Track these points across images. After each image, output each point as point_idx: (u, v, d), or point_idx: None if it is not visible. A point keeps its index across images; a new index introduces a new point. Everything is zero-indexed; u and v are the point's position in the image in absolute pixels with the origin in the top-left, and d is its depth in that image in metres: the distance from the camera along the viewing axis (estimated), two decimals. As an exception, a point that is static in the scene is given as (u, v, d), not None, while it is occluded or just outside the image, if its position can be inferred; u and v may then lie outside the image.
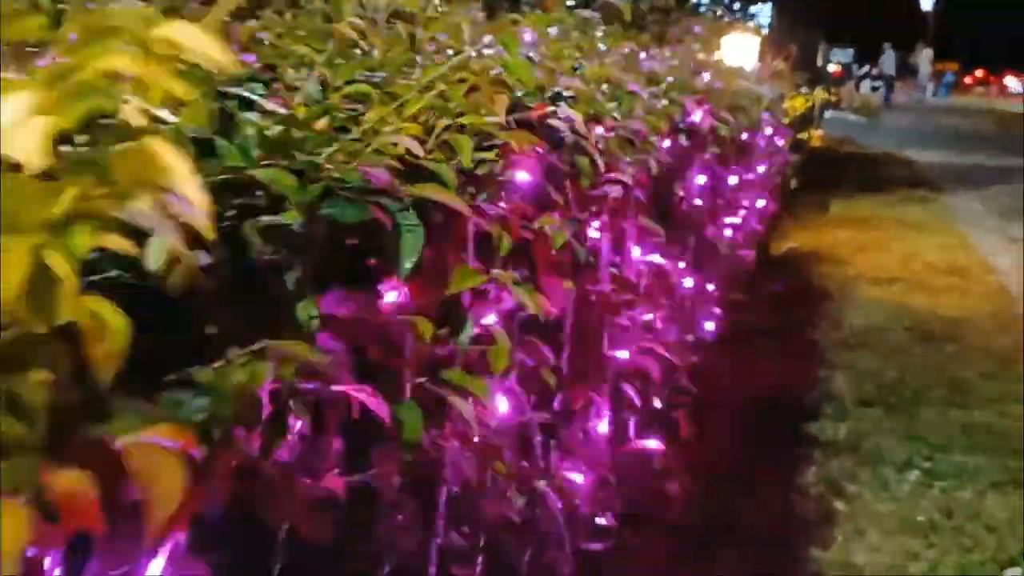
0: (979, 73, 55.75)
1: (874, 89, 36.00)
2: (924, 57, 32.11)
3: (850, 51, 27.60)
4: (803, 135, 10.31)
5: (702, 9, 13.10)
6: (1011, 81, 48.72)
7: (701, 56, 5.30)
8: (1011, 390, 3.83)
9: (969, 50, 59.65)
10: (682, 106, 2.88)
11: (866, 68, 39.82)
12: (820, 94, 6.83)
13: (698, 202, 3.34)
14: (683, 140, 2.90)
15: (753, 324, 4.60)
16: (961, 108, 30.18)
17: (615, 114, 2.10)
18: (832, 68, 24.56)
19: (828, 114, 22.30)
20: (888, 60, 29.85)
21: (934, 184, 10.10)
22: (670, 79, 2.93)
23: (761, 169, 5.26)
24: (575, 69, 2.17)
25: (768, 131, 5.03)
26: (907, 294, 5.37)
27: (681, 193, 3.08)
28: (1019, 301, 5.31)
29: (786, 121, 5.95)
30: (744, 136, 4.34)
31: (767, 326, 4.64)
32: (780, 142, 5.97)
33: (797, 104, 5.93)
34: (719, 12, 13.99)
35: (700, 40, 6.94)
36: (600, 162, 1.80)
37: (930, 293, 5.41)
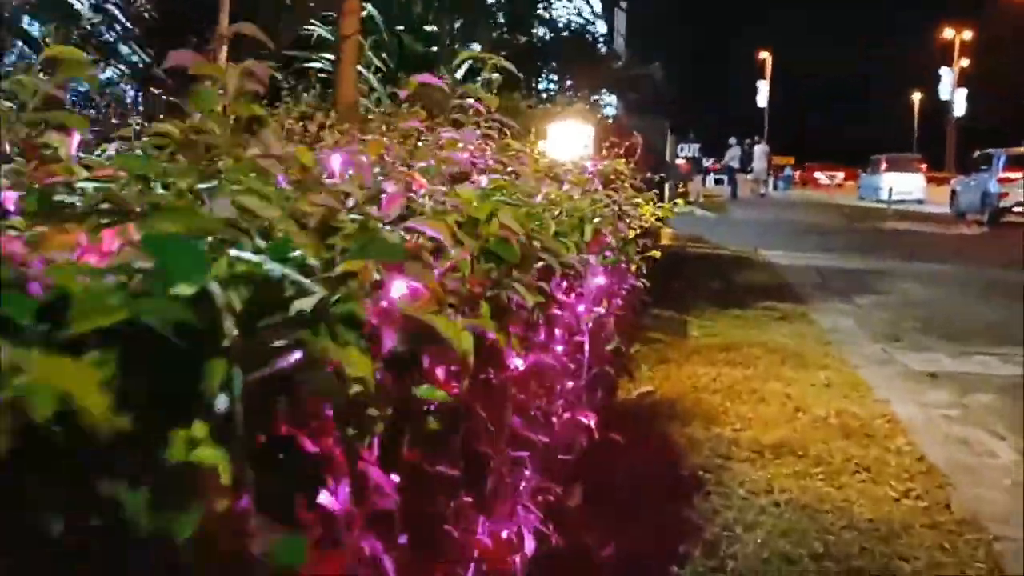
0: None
1: (718, 182, 36.10)
2: (759, 152, 32.15)
3: (696, 145, 27.21)
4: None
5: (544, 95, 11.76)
6: (819, 175, 51.60)
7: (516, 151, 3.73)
8: None
9: (800, 145, 61.99)
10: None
11: (711, 161, 40.14)
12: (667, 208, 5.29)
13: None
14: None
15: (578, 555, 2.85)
16: (801, 202, 30.22)
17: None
18: (679, 162, 23.92)
19: (676, 208, 21.53)
20: (733, 154, 29.74)
21: (796, 295, 8.79)
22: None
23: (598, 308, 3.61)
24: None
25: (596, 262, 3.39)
26: (801, 479, 3.76)
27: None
28: (951, 483, 3.78)
29: (631, 235, 4.37)
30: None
31: (599, 561, 2.90)
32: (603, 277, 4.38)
33: (645, 212, 4.31)
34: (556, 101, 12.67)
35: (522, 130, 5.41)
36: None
37: (831, 475, 3.82)
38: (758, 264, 11.09)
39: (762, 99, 67.45)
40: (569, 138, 4.48)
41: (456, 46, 8.40)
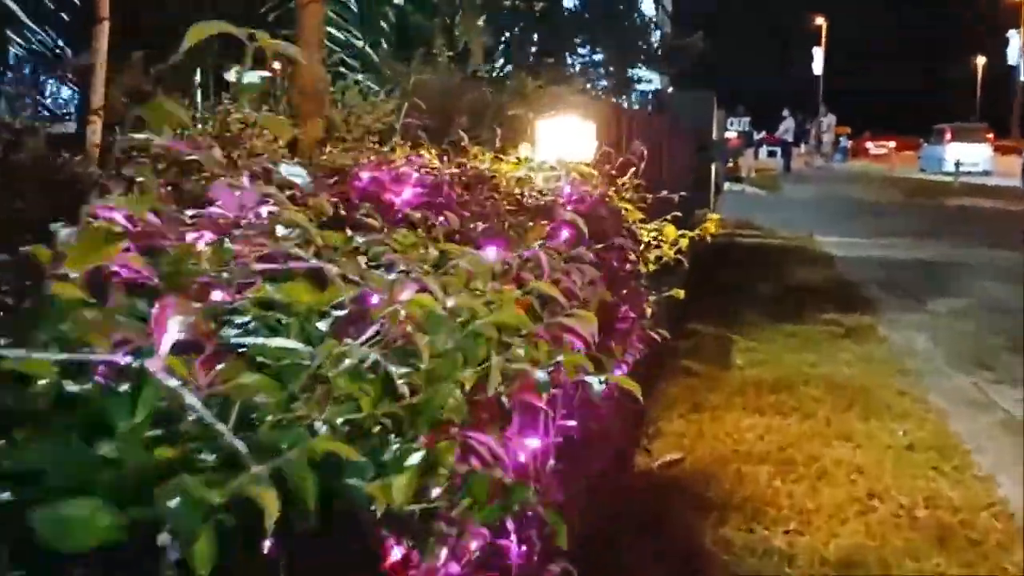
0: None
1: (771, 154, 34.33)
2: (828, 123, 30.46)
3: (747, 119, 25.58)
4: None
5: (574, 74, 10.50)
6: (870, 144, 50.09)
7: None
8: None
9: (855, 113, 59.43)
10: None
11: (763, 133, 38.30)
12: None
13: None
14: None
15: None
16: (859, 175, 28.42)
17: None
18: (729, 135, 22.40)
19: (726, 186, 20.06)
20: (787, 126, 28.05)
21: (859, 299, 7.47)
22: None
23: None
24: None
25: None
26: (887, 631, 2.58)
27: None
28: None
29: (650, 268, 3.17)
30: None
31: None
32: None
33: (669, 234, 3.05)
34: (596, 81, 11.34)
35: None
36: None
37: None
38: (814, 256, 9.75)
39: (817, 67, 64.88)
40: (566, 136, 3.29)
41: (458, 15, 7.19)
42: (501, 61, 8.19)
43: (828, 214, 15.13)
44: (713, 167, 12.52)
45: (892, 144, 54.09)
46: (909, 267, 9.15)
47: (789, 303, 7.11)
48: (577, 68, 10.59)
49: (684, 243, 3.32)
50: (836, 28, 62.43)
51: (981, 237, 12.33)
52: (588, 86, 10.70)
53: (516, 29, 8.32)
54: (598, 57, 10.40)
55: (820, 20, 65.68)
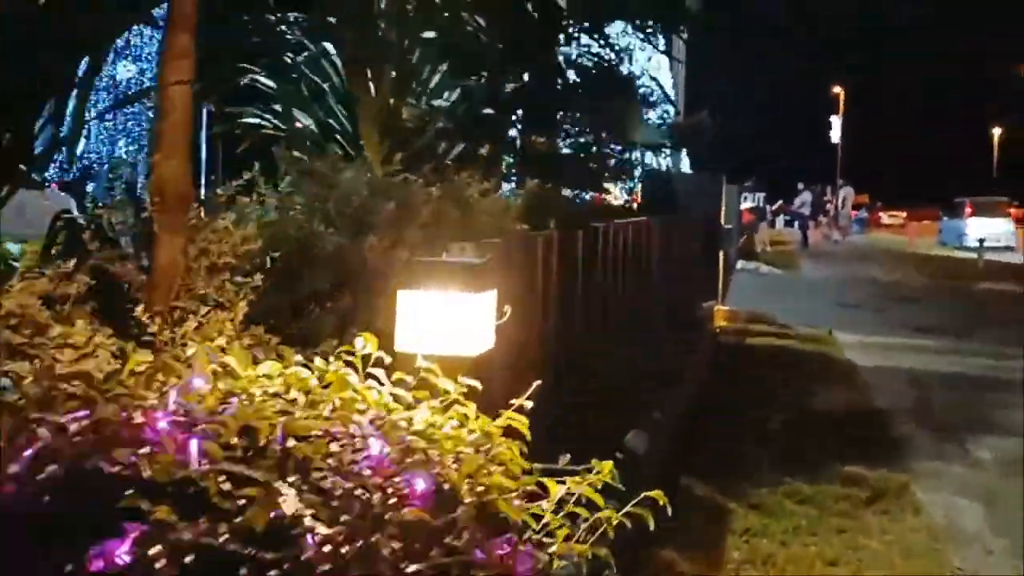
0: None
1: (788, 224, 33.07)
2: (845, 195, 29.26)
3: (761, 194, 24.34)
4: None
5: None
6: (882, 215, 49.31)
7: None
8: None
9: (871, 183, 58.24)
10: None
11: (779, 203, 37.09)
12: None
13: None
14: None
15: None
16: (878, 251, 27.01)
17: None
18: (743, 209, 21.17)
19: (740, 264, 18.76)
20: (804, 199, 26.82)
21: (888, 438, 6.12)
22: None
23: None
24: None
25: None
26: None
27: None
28: None
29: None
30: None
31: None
32: None
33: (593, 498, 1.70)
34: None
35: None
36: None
37: None
38: (833, 366, 8.38)
39: (835, 135, 63.91)
40: (442, 314, 2.03)
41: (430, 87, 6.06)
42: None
43: (849, 302, 13.77)
44: (722, 255, 11.23)
45: (904, 214, 52.92)
46: (944, 384, 7.77)
47: (803, 443, 5.76)
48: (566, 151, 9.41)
49: (610, 527, 1.94)
50: (856, 97, 61.55)
51: (1017, 336, 10.91)
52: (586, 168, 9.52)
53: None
54: (586, 137, 9.20)
55: (838, 88, 64.85)
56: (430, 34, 6.21)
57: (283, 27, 6.90)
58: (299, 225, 3.70)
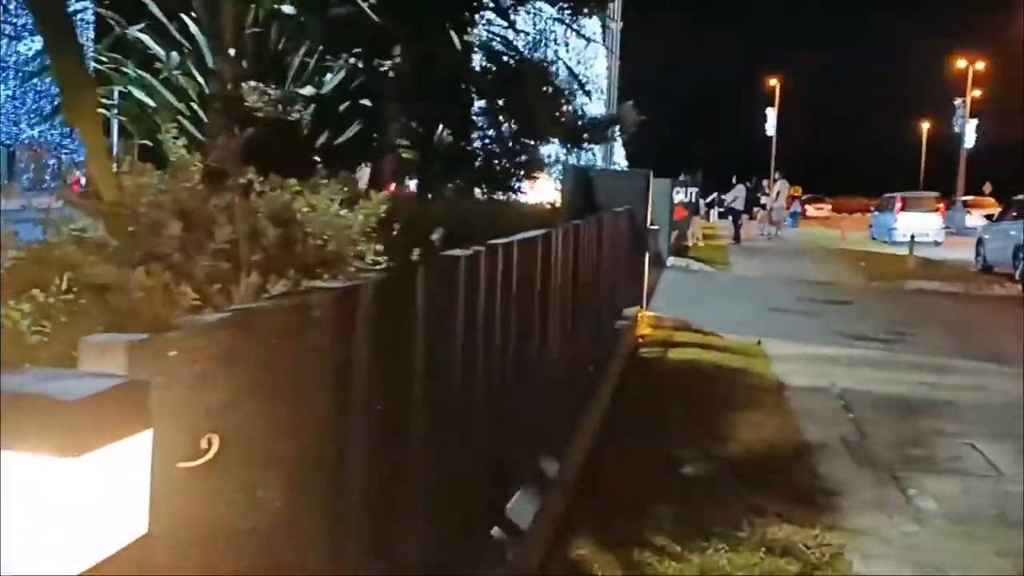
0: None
1: (722, 216, 32.50)
2: (781, 188, 28.72)
3: (694, 189, 23.58)
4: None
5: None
6: (809, 208, 49.51)
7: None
8: None
9: (809, 176, 58.40)
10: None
11: (714, 195, 36.56)
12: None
13: None
14: None
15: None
16: (810, 246, 26.48)
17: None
18: (676, 204, 20.39)
19: (670, 262, 17.95)
20: (737, 194, 26.16)
21: (817, 478, 5.27)
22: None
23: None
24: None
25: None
26: None
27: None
28: None
29: None
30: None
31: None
32: None
33: None
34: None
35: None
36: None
37: None
38: (760, 386, 7.51)
39: (770, 128, 63.92)
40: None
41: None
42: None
43: (780, 304, 13.00)
44: (646, 259, 10.33)
45: (829, 207, 53.15)
46: (882, 408, 6.95)
47: (721, 493, 4.86)
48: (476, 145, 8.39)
49: None
50: (790, 91, 61.66)
51: (957, 344, 10.25)
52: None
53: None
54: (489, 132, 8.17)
55: (774, 81, 64.85)
56: (289, 9, 5.14)
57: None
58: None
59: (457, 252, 3.21)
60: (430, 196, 7.74)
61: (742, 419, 6.31)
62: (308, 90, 5.35)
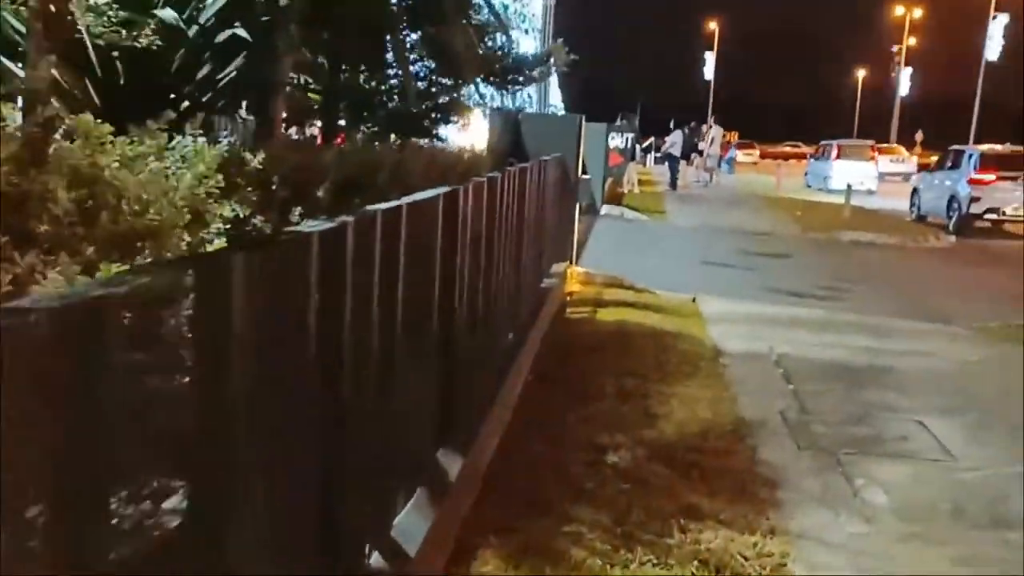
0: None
1: (659, 161, 31.97)
2: (715, 134, 28.21)
3: (630, 135, 22.86)
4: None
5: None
6: (739, 153, 48.25)
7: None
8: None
9: (748, 123, 58.25)
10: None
11: (650, 139, 35.97)
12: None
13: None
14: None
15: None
16: (747, 194, 26.09)
17: None
18: (611, 149, 19.71)
19: (604, 210, 17.32)
20: (674, 139, 25.56)
21: (762, 479, 4.70)
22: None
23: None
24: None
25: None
26: None
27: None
28: None
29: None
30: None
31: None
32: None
33: None
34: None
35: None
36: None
37: None
38: (694, 352, 6.93)
39: (709, 71, 63.41)
40: None
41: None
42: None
43: (716, 258, 12.48)
44: (577, 208, 9.65)
45: (756, 152, 53.01)
46: (822, 379, 6.43)
47: (650, 487, 4.25)
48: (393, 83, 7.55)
49: None
50: (729, 37, 61.18)
51: (897, 302, 9.85)
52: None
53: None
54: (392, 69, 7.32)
55: (713, 25, 64.18)
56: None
57: None
58: None
59: (310, 227, 2.40)
60: (338, 143, 6.91)
61: (675, 393, 5.71)
62: (168, 13, 4.46)
